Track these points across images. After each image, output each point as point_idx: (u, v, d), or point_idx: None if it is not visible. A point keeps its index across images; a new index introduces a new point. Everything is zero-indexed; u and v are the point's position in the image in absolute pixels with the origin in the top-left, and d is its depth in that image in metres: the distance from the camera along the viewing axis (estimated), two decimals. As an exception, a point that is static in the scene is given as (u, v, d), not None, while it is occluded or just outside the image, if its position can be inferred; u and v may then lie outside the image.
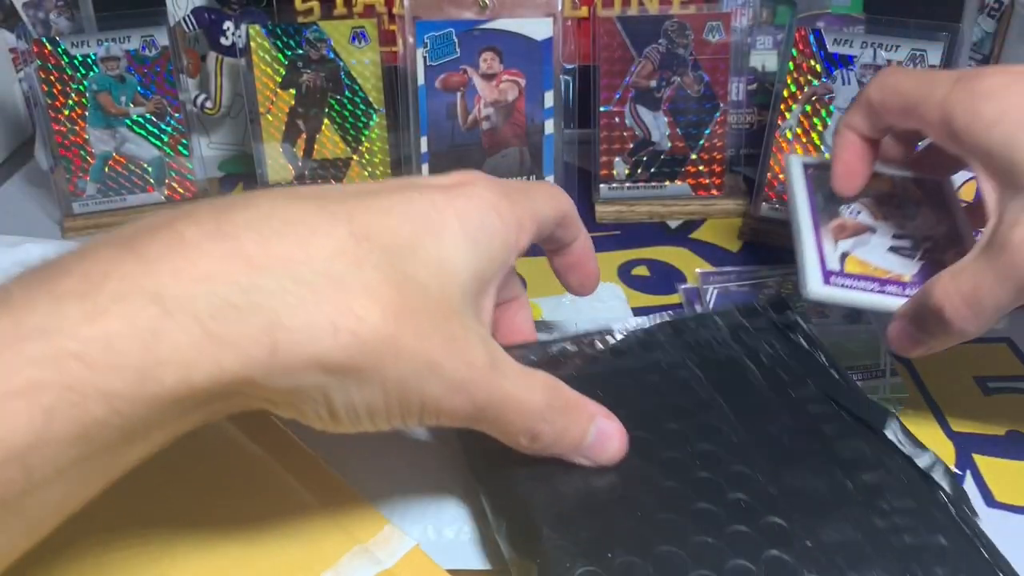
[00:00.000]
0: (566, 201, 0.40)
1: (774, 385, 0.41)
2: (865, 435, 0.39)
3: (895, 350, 0.43)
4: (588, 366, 0.41)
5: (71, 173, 0.63)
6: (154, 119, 0.64)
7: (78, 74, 0.62)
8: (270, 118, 0.63)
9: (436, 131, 0.62)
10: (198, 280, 0.28)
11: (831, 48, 0.59)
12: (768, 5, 0.67)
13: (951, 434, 0.46)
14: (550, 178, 0.63)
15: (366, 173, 0.65)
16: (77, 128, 0.63)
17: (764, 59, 0.67)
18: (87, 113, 0.63)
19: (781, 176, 0.60)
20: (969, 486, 0.43)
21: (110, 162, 0.64)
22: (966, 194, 0.50)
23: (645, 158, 0.64)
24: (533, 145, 0.62)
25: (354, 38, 0.63)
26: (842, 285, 0.44)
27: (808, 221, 0.47)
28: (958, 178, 0.50)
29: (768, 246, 0.61)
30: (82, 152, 0.63)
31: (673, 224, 0.65)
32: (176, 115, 0.64)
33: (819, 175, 0.50)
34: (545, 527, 0.33)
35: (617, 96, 0.63)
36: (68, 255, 0.29)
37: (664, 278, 0.59)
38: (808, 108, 0.60)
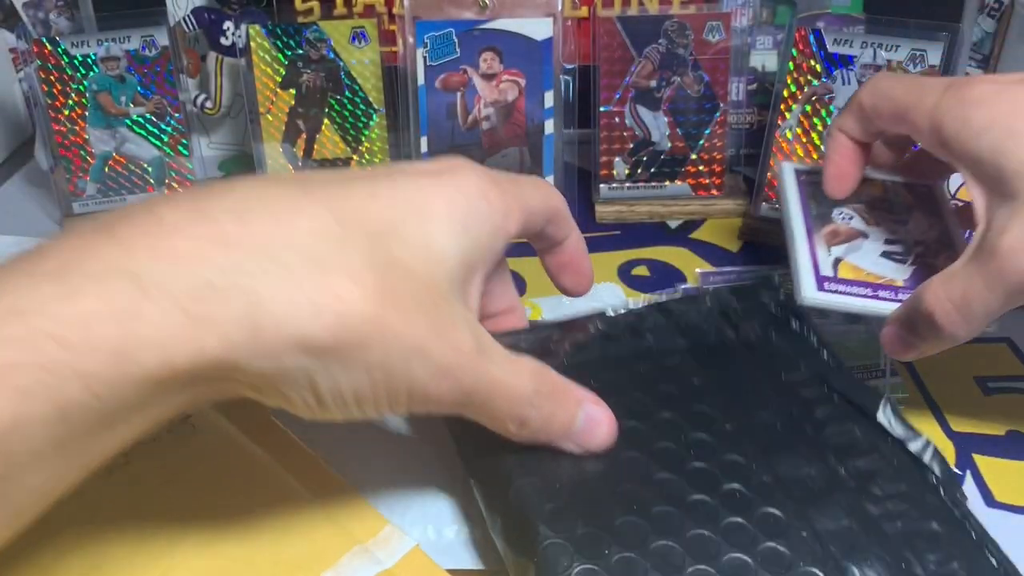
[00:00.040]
0: (556, 197, 0.40)
1: (766, 369, 0.41)
2: (857, 419, 0.39)
3: (888, 354, 0.43)
4: (579, 354, 0.41)
5: (71, 173, 0.63)
6: (154, 119, 0.64)
7: (78, 74, 0.62)
8: (270, 118, 0.63)
9: (436, 131, 0.62)
10: (177, 261, 0.28)
11: (831, 48, 0.59)
12: (768, 5, 0.67)
13: (951, 434, 0.46)
14: (550, 178, 0.63)
15: (366, 173, 0.65)
16: (77, 128, 0.63)
17: (764, 59, 0.67)
18: (87, 113, 0.63)
19: (781, 176, 0.60)
20: (969, 486, 0.43)
21: (110, 162, 0.64)
22: (965, 194, 0.50)
23: (645, 158, 0.64)
24: (533, 145, 0.62)
25: (354, 38, 0.63)
26: (836, 291, 0.45)
27: (801, 227, 0.48)
28: (956, 180, 0.50)
29: (768, 246, 0.61)
30: (82, 152, 0.63)
31: (673, 224, 0.65)
32: (176, 115, 0.64)
33: (811, 181, 0.50)
34: (541, 524, 0.33)
35: (617, 96, 0.63)
36: (47, 241, 0.29)
37: (664, 278, 0.59)
38: (808, 108, 0.60)
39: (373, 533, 0.37)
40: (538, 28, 0.61)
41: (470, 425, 0.35)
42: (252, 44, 0.62)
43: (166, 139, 0.64)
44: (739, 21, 0.63)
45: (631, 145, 0.64)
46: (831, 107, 0.59)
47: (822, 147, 0.59)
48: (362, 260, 0.30)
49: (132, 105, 0.63)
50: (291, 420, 0.42)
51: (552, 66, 0.61)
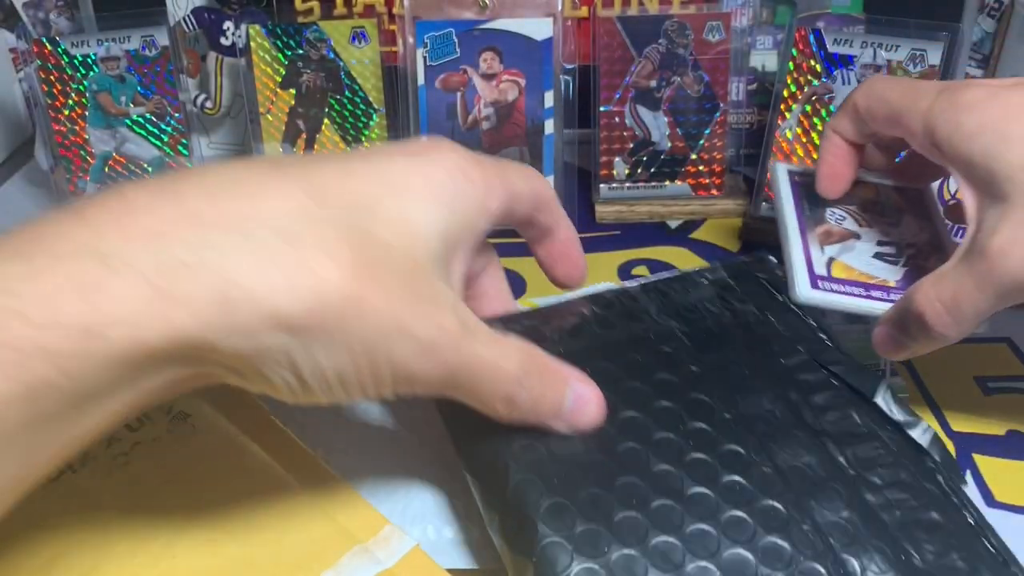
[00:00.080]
0: (543, 184, 0.39)
1: (764, 352, 0.41)
2: (856, 404, 0.39)
3: (880, 353, 0.43)
4: (574, 341, 0.40)
5: (71, 173, 0.63)
6: (154, 119, 0.64)
7: (78, 74, 0.62)
8: (270, 118, 0.63)
9: (436, 131, 0.62)
10: (146, 239, 0.27)
11: (831, 48, 0.59)
12: (768, 5, 0.67)
13: (951, 434, 0.46)
14: (550, 178, 0.63)
15: (366, 173, 0.65)
16: (77, 128, 0.63)
17: (764, 59, 0.67)
18: (87, 113, 0.63)
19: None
20: (969, 486, 0.43)
21: (110, 162, 0.64)
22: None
23: (645, 158, 0.64)
24: (533, 145, 0.62)
25: (354, 38, 0.63)
26: (830, 289, 0.45)
27: (795, 227, 0.48)
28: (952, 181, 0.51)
29: (768, 246, 0.60)
30: (82, 152, 0.63)
31: (673, 224, 0.65)
32: (176, 115, 0.64)
33: (805, 183, 0.51)
34: (540, 522, 0.33)
35: (617, 96, 0.63)
36: (17, 226, 0.28)
37: (664, 278, 0.59)
38: (808, 108, 0.60)
39: (373, 533, 0.37)
40: (538, 28, 0.61)
41: (463, 415, 0.35)
42: (252, 44, 0.62)
43: (166, 139, 0.64)
44: (739, 21, 0.63)
45: (631, 145, 0.64)
46: (831, 107, 0.59)
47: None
48: (337, 236, 0.30)
49: (132, 105, 0.63)
50: (291, 419, 0.42)
51: (552, 66, 0.61)
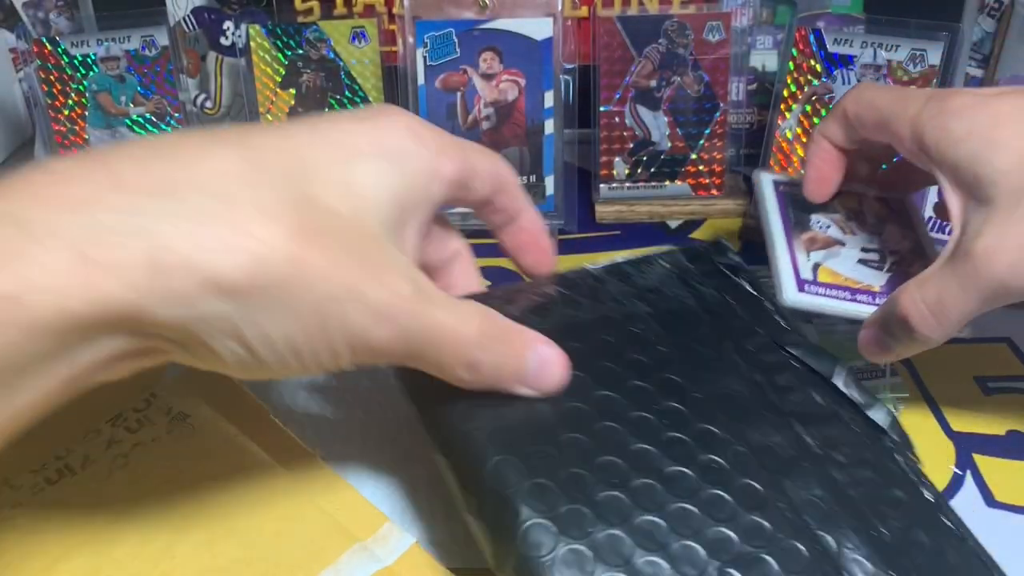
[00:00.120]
0: (505, 167, 0.38)
1: (727, 335, 0.41)
2: (817, 384, 0.39)
3: (865, 355, 0.43)
4: (541, 320, 0.39)
5: (71, 173, 0.63)
6: (154, 119, 0.64)
7: (78, 74, 0.62)
8: (270, 118, 0.63)
9: (436, 131, 0.62)
10: (71, 207, 0.26)
11: (831, 48, 0.59)
12: (768, 5, 0.67)
13: (951, 434, 0.46)
14: (550, 178, 0.63)
15: (366, 173, 0.65)
16: (77, 128, 0.63)
17: (764, 59, 0.68)
18: (87, 113, 0.63)
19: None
20: (969, 486, 0.43)
21: (110, 162, 0.64)
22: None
23: (645, 158, 0.64)
24: (533, 145, 0.62)
25: (354, 38, 0.63)
26: (816, 293, 0.46)
27: (781, 233, 0.49)
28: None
29: (768, 246, 0.61)
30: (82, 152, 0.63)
31: (673, 224, 0.65)
32: (176, 115, 0.64)
33: (789, 191, 0.51)
34: (522, 504, 0.32)
35: (617, 96, 0.63)
36: None
37: (664, 278, 0.59)
38: (808, 108, 0.60)
39: (372, 531, 0.37)
40: (538, 28, 0.61)
41: (430, 393, 0.34)
42: (252, 44, 0.62)
43: (166, 139, 0.64)
44: (739, 21, 0.63)
45: (631, 145, 0.64)
46: (831, 107, 0.59)
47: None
48: (277, 198, 0.29)
49: (132, 105, 0.63)
50: (291, 419, 0.42)
51: (552, 66, 0.61)
